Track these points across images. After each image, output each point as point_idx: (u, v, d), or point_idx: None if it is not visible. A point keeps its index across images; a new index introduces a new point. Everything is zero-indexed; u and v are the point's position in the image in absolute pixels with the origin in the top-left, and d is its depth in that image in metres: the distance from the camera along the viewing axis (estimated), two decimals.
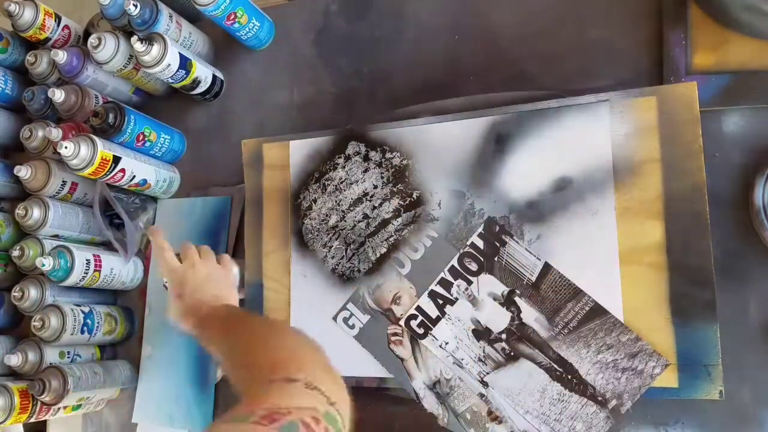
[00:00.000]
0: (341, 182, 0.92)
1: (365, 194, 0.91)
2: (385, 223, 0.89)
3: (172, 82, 1.03)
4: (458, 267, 0.85)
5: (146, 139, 1.05)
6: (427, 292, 0.86)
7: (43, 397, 0.94)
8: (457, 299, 0.84)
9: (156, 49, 0.95)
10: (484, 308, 0.83)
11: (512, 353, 0.81)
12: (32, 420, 0.98)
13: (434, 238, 0.87)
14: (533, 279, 0.81)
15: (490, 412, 0.81)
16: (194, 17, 1.11)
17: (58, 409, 1.00)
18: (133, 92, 1.15)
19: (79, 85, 1.05)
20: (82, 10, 1.18)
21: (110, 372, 1.04)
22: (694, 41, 0.84)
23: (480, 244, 0.84)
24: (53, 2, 1.12)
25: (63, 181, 1.06)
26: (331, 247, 0.92)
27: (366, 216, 0.90)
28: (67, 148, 0.93)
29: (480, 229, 0.84)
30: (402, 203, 0.89)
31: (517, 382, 0.80)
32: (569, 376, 0.78)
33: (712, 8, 0.81)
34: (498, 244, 0.83)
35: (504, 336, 0.82)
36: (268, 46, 1.12)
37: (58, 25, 1.11)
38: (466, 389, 0.83)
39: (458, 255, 0.85)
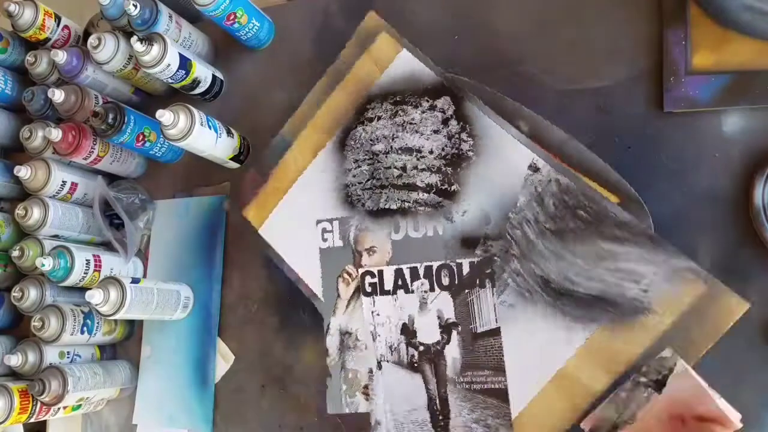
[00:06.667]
0: (411, 123, 0.91)
1: (419, 150, 0.90)
2: (412, 187, 0.89)
3: (172, 82, 1.02)
4: (434, 271, 0.86)
5: (146, 139, 1.05)
6: (395, 267, 0.88)
7: (42, 397, 0.94)
8: (412, 292, 0.87)
9: (156, 49, 0.95)
10: (425, 316, 0.86)
11: (415, 365, 0.85)
12: (32, 420, 0.99)
13: (437, 235, 0.87)
14: (478, 331, 0.83)
15: (366, 387, 0.87)
16: (194, 17, 1.10)
17: (58, 409, 1.00)
18: (133, 92, 1.14)
19: (79, 85, 1.05)
20: (82, 10, 1.17)
21: (110, 372, 1.04)
22: (694, 41, 0.83)
23: (465, 269, 0.85)
24: (53, 2, 1.12)
25: (63, 181, 1.06)
26: (359, 167, 0.92)
27: (404, 168, 0.90)
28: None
29: (475, 259, 0.85)
30: (439, 185, 0.88)
31: (401, 388, 0.85)
32: (441, 417, 0.83)
33: (711, 8, 0.81)
34: (477, 283, 0.84)
35: (421, 348, 0.85)
36: (268, 46, 1.11)
37: (58, 25, 1.11)
38: (363, 357, 0.88)
39: (442, 263, 0.86)
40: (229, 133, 1.02)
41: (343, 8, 1.07)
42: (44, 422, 1.14)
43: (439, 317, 0.85)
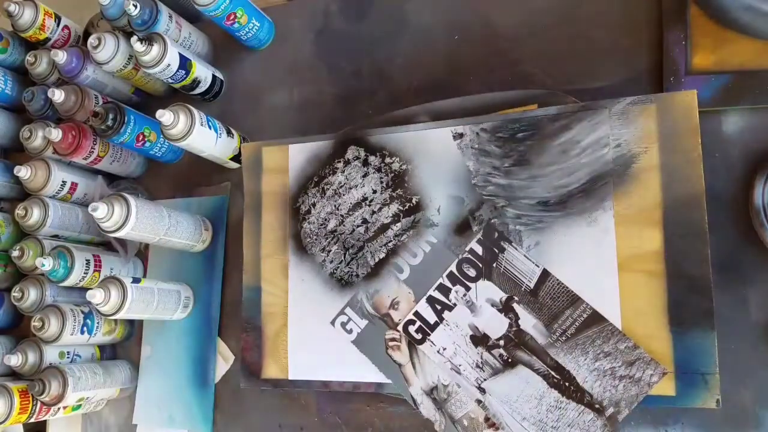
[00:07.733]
0: (340, 186, 0.92)
1: (364, 199, 0.91)
2: (384, 228, 0.89)
3: (172, 82, 1.02)
4: (457, 273, 0.84)
5: (146, 139, 1.05)
6: (425, 298, 0.85)
7: (42, 397, 0.94)
8: (455, 305, 0.84)
9: (156, 49, 0.95)
10: (482, 314, 0.83)
11: (510, 360, 0.81)
12: (32, 420, 0.99)
13: (433, 244, 0.86)
14: (531, 286, 0.81)
15: (487, 419, 0.81)
16: (194, 17, 1.10)
17: (58, 409, 1.01)
18: (133, 92, 1.14)
19: (79, 85, 1.05)
20: (82, 10, 1.18)
21: (110, 372, 1.04)
22: (694, 41, 0.83)
23: (479, 250, 0.84)
24: (53, 2, 1.12)
25: (63, 182, 1.06)
26: (329, 251, 0.92)
27: (365, 221, 0.90)
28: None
29: (479, 236, 0.84)
30: (401, 208, 0.88)
31: (515, 389, 0.80)
32: (567, 384, 0.78)
33: (711, 8, 0.81)
34: (497, 251, 0.83)
35: (502, 342, 0.81)
36: (268, 46, 1.11)
37: (58, 25, 1.11)
38: (463, 395, 0.83)
39: (457, 261, 0.84)
40: (229, 133, 1.02)
41: (343, 8, 1.07)
42: (44, 422, 1.14)
43: (493, 305, 0.82)
